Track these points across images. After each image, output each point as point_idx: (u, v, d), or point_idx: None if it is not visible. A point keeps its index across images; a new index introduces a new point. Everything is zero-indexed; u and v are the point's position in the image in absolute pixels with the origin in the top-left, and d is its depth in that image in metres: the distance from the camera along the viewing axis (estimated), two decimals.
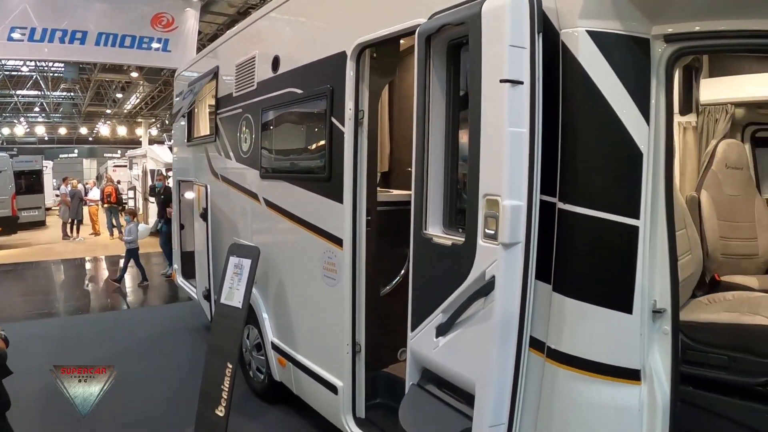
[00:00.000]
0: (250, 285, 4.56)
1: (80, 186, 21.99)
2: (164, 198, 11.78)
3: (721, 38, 2.32)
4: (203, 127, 6.93)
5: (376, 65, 3.55)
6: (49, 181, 27.36)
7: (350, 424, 3.78)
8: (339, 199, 3.65)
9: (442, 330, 2.52)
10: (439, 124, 2.67)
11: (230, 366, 4.46)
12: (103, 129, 42.17)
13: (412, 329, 2.75)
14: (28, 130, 42.89)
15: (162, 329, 8.00)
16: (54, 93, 33.53)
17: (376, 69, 3.56)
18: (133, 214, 11.92)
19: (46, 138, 44.76)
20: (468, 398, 2.48)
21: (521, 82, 2.17)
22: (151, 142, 38.31)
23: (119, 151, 42.58)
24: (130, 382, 5.37)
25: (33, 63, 24.27)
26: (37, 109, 39.20)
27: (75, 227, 18.88)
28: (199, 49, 15.97)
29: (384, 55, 3.53)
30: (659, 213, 2.32)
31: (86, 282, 11.15)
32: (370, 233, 3.61)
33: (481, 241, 2.29)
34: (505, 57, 2.17)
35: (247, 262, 4.64)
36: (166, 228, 10.99)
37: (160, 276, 11.79)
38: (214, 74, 6.07)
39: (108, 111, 37.66)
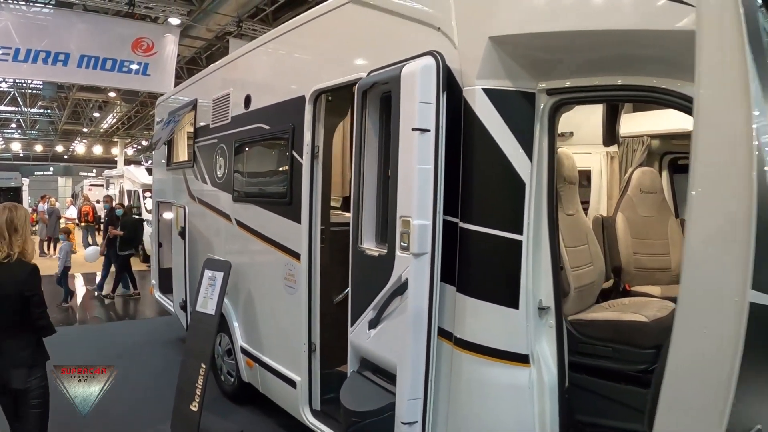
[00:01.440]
0: (222, 294, 5.20)
1: (57, 204, 22.33)
2: (107, 220, 12.22)
3: (592, 91, 3.04)
4: (182, 153, 7.57)
5: (331, 108, 4.25)
6: (25, 198, 27.69)
7: (307, 415, 4.38)
8: (298, 219, 4.32)
9: (372, 323, 3.19)
10: (371, 160, 3.37)
11: (204, 366, 5.05)
12: (79, 147, 42.36)
13: (351, 324, 3.42)
14: (3, 146, 42.92)
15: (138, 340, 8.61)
16: (32, 110, 33.78)
17: (330, 111, 4.26)
18: (67, 233, 12.32)
19: (21, 154, 44.82)
20: (393, 379, 3.13)
21: (428, 130, 2.87)
22: (127, 162, 38.55)
23: (94, 170, 42.62)
24: (112, 386, 5.97)
25: (12, 79, 24.64)
26: (13, 125, 39.47)
27: (52, 244, 19.19)
28: (177, 72, 16.57)
29: (338, 98, 4.22)
30: (542, 230, 3.00)
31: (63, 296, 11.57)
32: (323, 249, 4.28)
33: (398, 252, 2.97)
34: (416, 111, 2.87)
35: (219, 275, 5.28)
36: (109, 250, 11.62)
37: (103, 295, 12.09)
38: (193, 106, 6.73)
39: (84, 129, 37.96)
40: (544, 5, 2.87)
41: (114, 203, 13.28)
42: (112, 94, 25.10)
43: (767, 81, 1.60)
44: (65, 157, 46.75)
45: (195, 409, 5.01)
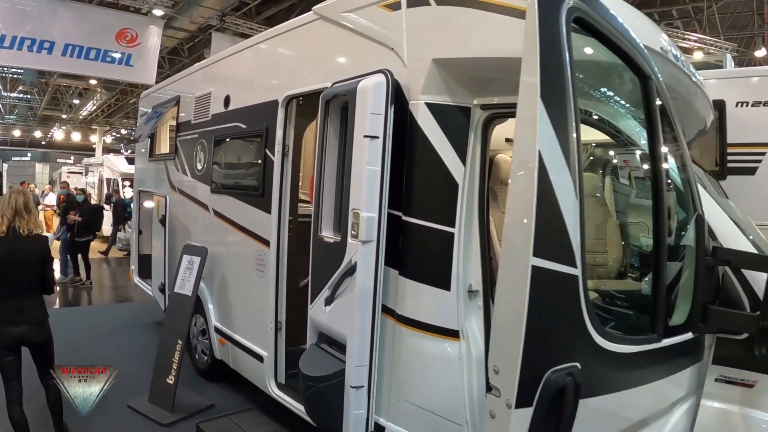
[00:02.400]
0: (199, 277, 5.75)
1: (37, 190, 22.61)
2: (65, 206, 12.46)
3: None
4: (164, 146, 8.09)
5: (301, 111, 4.80)
6: (5, 183, 27.86)
7: (273, 387, 4.93)
8: (268, 210, 4.87)
9: (327, 301, 3.75)
10: (332, 160, 3.93)
11: (180, 342, 5.61)
12: (57, 134, 42.36)
13: (311, 302, 3.98)
14: None
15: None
16: (11, 94, 33.95)
17: (300, 114, 4.81)
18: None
19: None
20: (344, 349, 3.68)
21: (377, 137, 3.43)
22: (106, 150, 38.62)
23: (72, 157, 42.66)
24: (97, 362, 6.51)
25: None
26: None
27: None
28: (158, 62, 16.94)
29: (307, 103, 4.76)
30: (473, 224, 3.57)
31: None
32: (291, 237, 4.84)
33: (349, 239, 3.53)
34: (367, 120, 3.43)
35: (197, 259, 5.83)
36: (66, 236, 11.87)
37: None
38: (176, 102, 7.25)
39: (64, 116, 37.99)
40: (478, 34, 3.42)
41: (74, 189, 13.61)
42: (93, 82, 25.34)
43: (554, 105, 2.09)
44: (43, 143, 46.77)
45: (171, 382, 5.58)
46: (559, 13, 2.00)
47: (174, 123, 7.43)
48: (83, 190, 13.80)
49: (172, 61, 23.69)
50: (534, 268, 1.86)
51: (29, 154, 45.62)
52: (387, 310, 3.64)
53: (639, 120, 2.95)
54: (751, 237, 3.17)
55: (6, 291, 4.31)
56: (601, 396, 2.19)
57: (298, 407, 4.53)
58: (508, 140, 5.16)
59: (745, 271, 2.85)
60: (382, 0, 3.77)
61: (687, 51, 17.50)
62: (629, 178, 4.54)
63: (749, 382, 2.82)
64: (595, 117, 3.30)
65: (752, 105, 6.26)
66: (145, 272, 8.59)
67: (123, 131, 41.94)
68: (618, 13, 2.85)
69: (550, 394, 1.87)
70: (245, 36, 18.52)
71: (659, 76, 2.66)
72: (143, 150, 8.90)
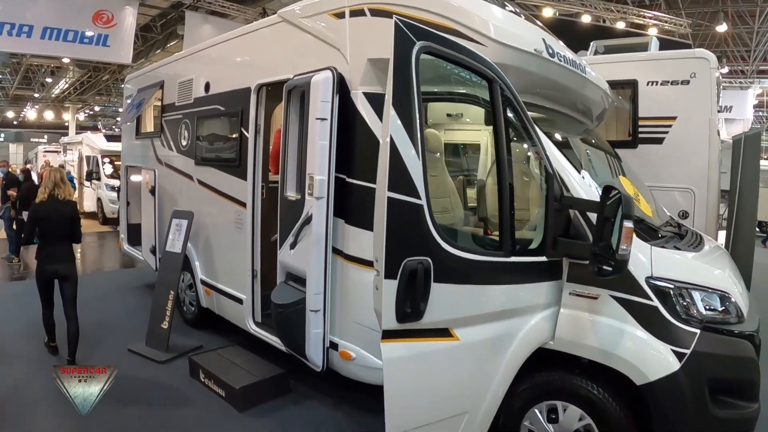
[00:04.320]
0: (187, 237, 6.94)
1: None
2: (6, 183, 13.07)
3: (434, 95, 4.79)
4: (149, 125, 9.24)
5: (269, 96, 5.98)
6: None
7: (251, 324, 6.16)
8: (244, 178, 6.07)
9: (291, 246, 4.98)
10: (293, 136, 5.13)
11: (172, 292, 6.79)
12: (30, 113, 42.72)
13: (280, 247, 5.20)
14: None
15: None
16: None
17: (269, 99, 5.99)
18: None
19: None
20: (305, 284, 4.90)
21: (326, 119, 4.63)
22: (79, 127, 39.12)
23: (46, 136, 43.06)
24: (96, 322, 7.78)
25: None
26: None
27: None
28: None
29: (274, 90, 5.88)
30: None
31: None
32: (263, 199, 6.05)
33: (307, 197, 4.75)
34: (319, 106, 4.63)
35: (184, 222, 7.01)
36: (8, 213, 12.52)
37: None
38: (161, 86, 8.38)
39: (36, 95, 38.36)
40: None
41: (13, 168, 14.14)
42: (66, 60, 26.01)
43: (401, 107, 3.07)
44: (15, 123, 47.13)
45: (165, 327, 6.76)
46: (411, 49, 3.16)
47: (158, 104, 8.57)
48: (26, 170, 14.31)
49: (145, 37, 24.38)
50: (389, 198, 3.07)
51: (2, 135, 45.98)
52: (336, 251, 4.85)
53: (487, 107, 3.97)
54: (594, 189, 4.31)
55: (46, 240, 6.14)
56: (452, 284, 3.35)
57: (272, 339, 5.76)
58: (449, 115, 6.34)
59: (589, 213, 4.04)
60: (331, 9, 4.93)
61: (641, 27, 18.75)
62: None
63: (594, 295, 3.91)
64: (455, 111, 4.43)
65: (660, 84, 7.49)
66: (134, 240, 9.76)
67: (96, 108, 42.44)
68: (500, 24, 4.08)
69: (407, 273, 3.07)
70: (218, 14, 19.49)
71: (504, 76, 3.80)
72: (129, 130, 10.03)
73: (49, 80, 34.99)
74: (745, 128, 33.73)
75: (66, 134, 35.07)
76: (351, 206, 4.76)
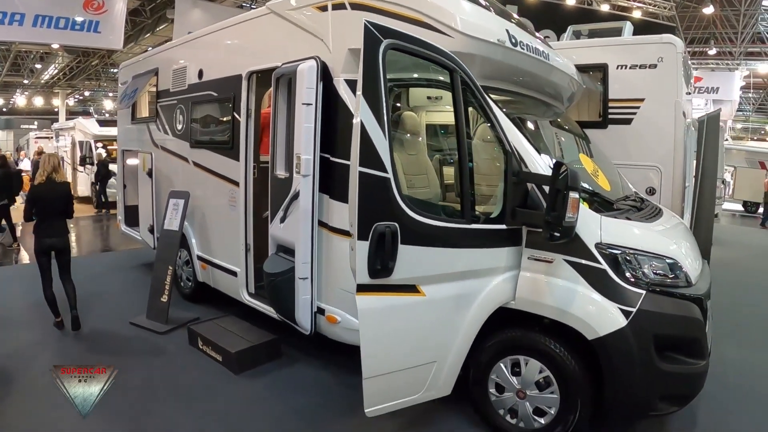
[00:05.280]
0: (183, 215, 7.46)
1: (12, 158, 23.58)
2: None
3: (408, 81, 5.33)
4: (144, 110, 9.74)
5: (259, 83, 6.48)
6: None
7: (245, 295, 6.70)
8: (237, 158, 6.59)
9: (281, 220, 5.49)
10: (282, 120, 5.63)
11: (170, 268, 7.32)
12: (20, 100, 42.80)
13: (271, 221, 5.72)
14: None
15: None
16: None
17: (259, 85, 6.49)
18: None
19: None
20: (294, 254, 5.43)
21: (311, 104, 5.14)
22: (69, 113, 39.31)
23: (36, 122, 43.20)
24: (95, 299, 8.32)
25: None
26: None
27: None
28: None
29: (264, 77, 6.35)
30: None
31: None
32: (255, 179, 6.56)
33: (294, 175, 5.26)
34: (304, 92, 5.12)
35: (181, 201, 7.54)
36: None
37: None
38: (155, 73, 8.85)
39: (25, 81, 38.50)
40: None
41: None
42: (55, 46, 26.29)
43: (370, 96, 3.64)
44: (3, 110, 47.37)
45: (165, 300, 7.29)
46: (378, 47, 3.67)
47: (153, 90, 9.04)
48: (2, 156, 14.47)
49: (134, 21, 24.71)
50: (360, 172, 3.61)
51: None
52: (322, 224, 5.34)
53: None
54: (550, 165, 4.81)
55: (44, 215, 6.93)
56: (418, 246, 3.91)
57: (265, 308, 6.30)
58: (429, 98, 6.83)
59: (544, 186, 4.56)
60: (315, 3, 5.41)
61: (626, 10, 19.24)
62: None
63: (549, 259, 4.46)
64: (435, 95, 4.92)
65: (630, 68, 8.00)
66: (131, 221, 10.28)
67: (86, 93, 42.63)
68: (466, 17, 4.59)
69: (377, 235, 3.64)
70: None
71: (463, 66, 4.29)
72: (125, 115, 10.49)
73: (38, 66, 35.19)
74: (733, 109, 34.46)
75: (56, 120, 35.24)
76: (334, 182, 5.25)
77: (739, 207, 28.09)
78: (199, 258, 7.73)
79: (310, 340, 5.76)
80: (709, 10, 22.97)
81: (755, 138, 44.87)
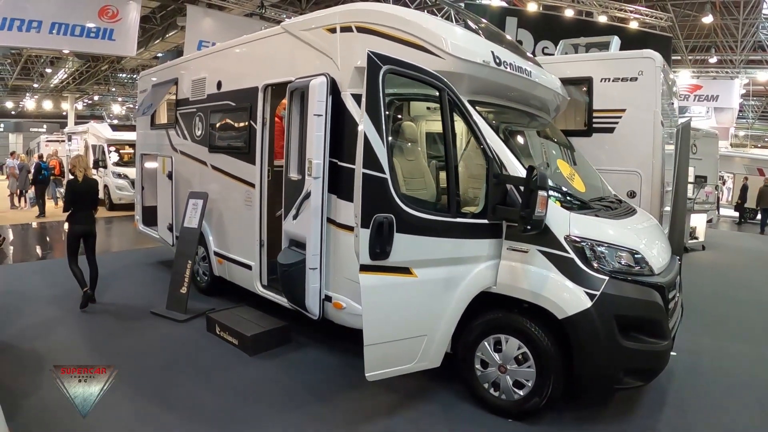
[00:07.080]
0: (202, 214, 8.24)
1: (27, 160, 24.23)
2: None
3: (405, 96, 6.12)
4: (163, 117, 10.56)
5: (274, 95, 7.26)
6: None
7: (259, 287, 7.44)
8: (253, 162, 7.36)
9: (294, 217, 6.23)
10: (296, 129, 6.40)
11: (190, 262, 8.09)
12: (29, 103, 43.44)
13: (284, 219, 6.49)
14: None
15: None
16: None
17: (274, 97, 7.27)
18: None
19: None
20: (305, 248, 6.15)
21: (322, 115, 5.89)
22: (78, 117, 40.03)
23: (45, 126, 43.87)
24: (115, 292, 9.13)
25: None
26: None
27: (22, 197, 21.59)
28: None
29: (279, 89, 7.10)
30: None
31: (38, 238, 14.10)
32: (269, 181, 7.34)
33: (306, 177, 5.99)
34: (315, 105, 5.87)
35: (200, 201, 8.32)
36: None
37: None
38: (175, 82, 9.67)
39: (35, 85, 39.24)
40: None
41: None
42: (66, 51, 27.06)
43: (372, 112, 4.47)
44: (13, 113, 48.05)
45: (184, 292, 8.06)
46: (379, 71, 4.49)
47: (173, 99, 9.85)
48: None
49: (144, 28, 25.42)
50: (363, 173, 4.41)
51: (1, 125, 46.86)
52: (330, 220, 6.06)
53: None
54: (526, 167, 5.45)
55: (79, 207, 8.23)
56: (410, 234, 4.70)
57: (277, 298, 7.02)
58: (428, 108, 7.58)
59: (521, 186, 5.25)
60: (326, 25, 6.17)
61: (624, 21, 19.98)
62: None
63: (525, 250, 5.22)
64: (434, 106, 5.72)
65: (612, 80, 8.75)
66: (148, 221, 11.09)
67: (96, 98, 43.39)
68: (455, 41, 5.38)
69: (376, 224, 4.43)
70: (217, 7, 20.66)
71: (451, 86, 5.11)
72: (144, 122, 11.29)
73: (48, 70, 35.86)
74: (733, 117, 35.18)
75: (65, 124, 35.91)
76: (342, 184, 5.94)
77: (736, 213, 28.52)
78: (216, 254, 8.51)
79: (317, 328, 6.52)
80: (708, 19, 23.64)
81: (758, 145, 45.53)
